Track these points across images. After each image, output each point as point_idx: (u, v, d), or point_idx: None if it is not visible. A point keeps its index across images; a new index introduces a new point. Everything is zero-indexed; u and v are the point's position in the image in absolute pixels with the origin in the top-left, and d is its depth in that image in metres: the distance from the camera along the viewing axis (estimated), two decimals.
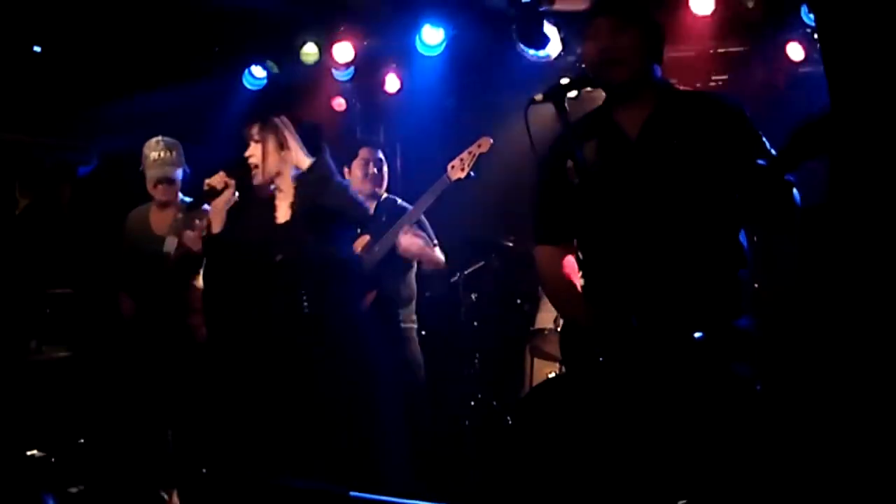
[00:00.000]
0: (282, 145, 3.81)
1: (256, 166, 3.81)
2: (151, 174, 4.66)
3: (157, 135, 4.80)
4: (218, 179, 3.84)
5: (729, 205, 2.65)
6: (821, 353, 2.53)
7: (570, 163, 2.77)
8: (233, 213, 3.87)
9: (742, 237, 2.80)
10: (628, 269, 2.71)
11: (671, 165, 2.72)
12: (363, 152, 4.88)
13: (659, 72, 2.83)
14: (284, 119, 3.86)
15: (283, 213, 3.85)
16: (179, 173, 4.71)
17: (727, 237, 2.76)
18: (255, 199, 3.92)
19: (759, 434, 2.68)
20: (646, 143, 2.77)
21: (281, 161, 3.81)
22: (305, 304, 3.76)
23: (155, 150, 4.68)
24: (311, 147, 3.88)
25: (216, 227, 3.84)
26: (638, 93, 2.79)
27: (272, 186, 3.86)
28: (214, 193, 3.85)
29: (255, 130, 3.83)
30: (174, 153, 4.69)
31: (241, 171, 3.83)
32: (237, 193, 3.89)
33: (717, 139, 2.68)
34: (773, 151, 2.65)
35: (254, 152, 3.82)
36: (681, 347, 2.65)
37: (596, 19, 2.75)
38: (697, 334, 2.64)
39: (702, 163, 2.68)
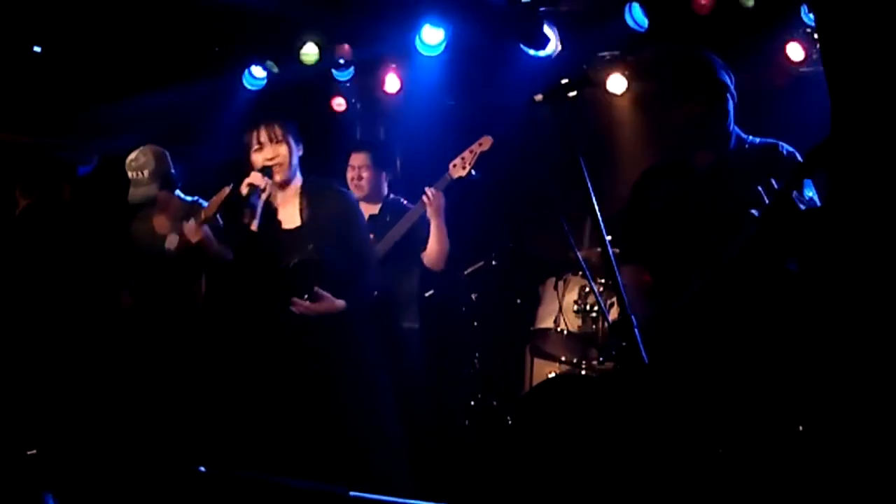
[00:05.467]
0: (298, 141, 3.84)
1: (280, 165, 3.78)
2: (130, 195, 4.66)
3: (156, 134, 4.80)
4: (258, 179, 3.74)
5: None
6: (820, 354, 2.54)
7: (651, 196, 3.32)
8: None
9: None
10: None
11: (731, 201, 3.08)
12: (351, 158, 4.88)
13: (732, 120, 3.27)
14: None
15: (289, 218, 3.83)
16: (155, 188, 4.65)
17: None
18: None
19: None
20: (713, 179, 3.21)
21: (297, 157, 3.83)
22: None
23: (129, 170, 4.67)
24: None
25: (255, 225, 3.74)
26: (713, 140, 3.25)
27: (265, 191, 3.80)
28: (261, 192, 3.76)
29: (278, 131, 3.78)
30: (146, 172, 4.63)
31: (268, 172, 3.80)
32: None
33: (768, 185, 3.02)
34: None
35: (278, 152, 3.78)
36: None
37: (684, 87, 3.19)
38: None
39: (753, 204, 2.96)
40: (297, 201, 3.83)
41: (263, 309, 3.88)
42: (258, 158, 3.80)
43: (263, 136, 3.79)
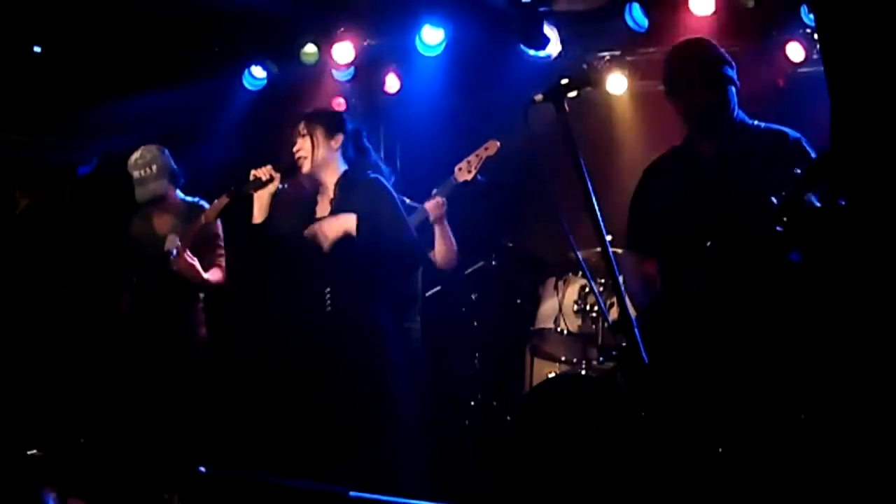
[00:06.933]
0: (329, 135, 3.90)
1: (304, 157, 3.87)
2: (139, 195, 4.65)
3: (156, 134, 4.80)
4: (264, 171, 3.86)
5: None
6: (821, 354, 2.54)
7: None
8: (274, 207, 3.89)
9: None
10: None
11: (737, 187, 3.15)
12: None
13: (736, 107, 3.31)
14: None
15: (322, 209, 3.93)
16: (164, 184, 4.67)
17: None
18: (298, 196, 3.98)
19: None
20: (718, 167, 3.25)
21: (329, 150, 3.90)
22: (329, 301, 3.79)
23: (135, 168, 4.66)
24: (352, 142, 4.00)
25: (258, 217, 3.86)
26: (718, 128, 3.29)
27: (268, 185, 3.88)
28: (260, 184, 3.85)
29: (301, 126, 3.91)
30: (154, 168, 4.63)
31: (286, 167, 3.88)
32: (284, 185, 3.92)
33: (776, 169, 3.06)
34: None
35: (302, 146, 3.89)
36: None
37: (686, 77, 3.25)
38: None
39: (762, 187, 2.98)
40: (332, 193, 3.93)
41: (282, 300, 3.95)
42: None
43: (300, 129, 3.93)
